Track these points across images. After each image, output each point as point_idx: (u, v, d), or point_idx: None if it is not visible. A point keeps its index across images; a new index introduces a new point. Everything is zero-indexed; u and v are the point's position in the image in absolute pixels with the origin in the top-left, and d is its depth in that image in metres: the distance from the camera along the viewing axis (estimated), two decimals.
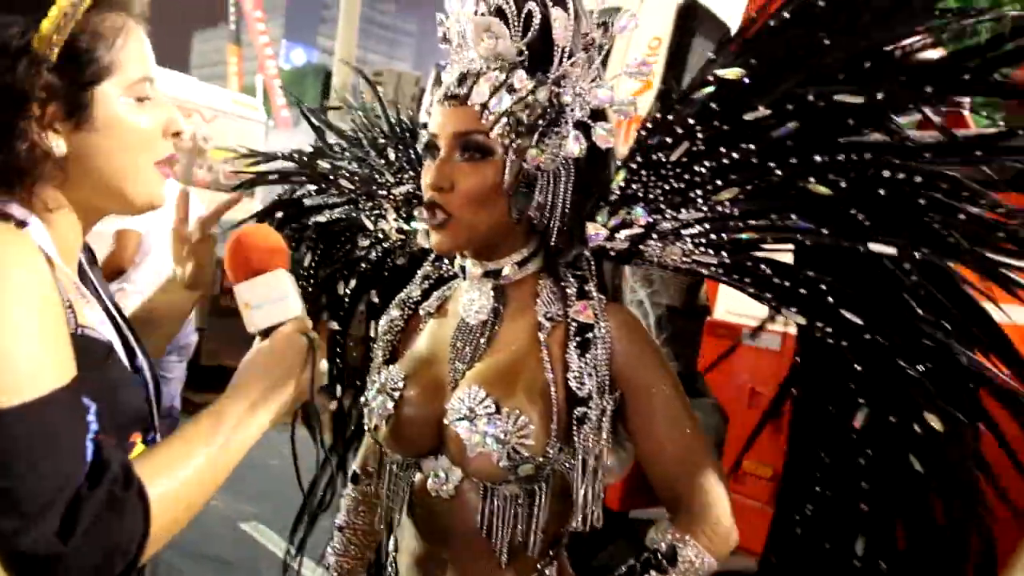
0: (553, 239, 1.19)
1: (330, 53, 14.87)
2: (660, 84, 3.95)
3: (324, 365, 1.17)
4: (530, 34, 1.14)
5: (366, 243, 1.63)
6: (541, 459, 1.13)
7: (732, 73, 1.11)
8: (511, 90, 1.13)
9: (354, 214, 1.65)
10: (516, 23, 1.14)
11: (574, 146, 1.15)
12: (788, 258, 1.14)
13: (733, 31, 3.62)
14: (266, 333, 1.09)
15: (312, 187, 1.76)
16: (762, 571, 1.24)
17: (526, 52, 1.15)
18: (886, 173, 1.03)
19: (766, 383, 3.27)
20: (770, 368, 3.37)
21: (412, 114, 1.71)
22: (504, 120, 1.13)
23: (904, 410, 1.08)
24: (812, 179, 1.06)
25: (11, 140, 0.89)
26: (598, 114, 1.17)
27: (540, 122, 1.14)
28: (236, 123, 9.93)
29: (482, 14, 1.16)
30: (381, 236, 1.59)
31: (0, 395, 0.77)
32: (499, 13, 1.15)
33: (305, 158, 1.77)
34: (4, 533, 0.75)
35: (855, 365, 1.09)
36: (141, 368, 1.08)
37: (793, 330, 1.19)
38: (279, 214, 1.79)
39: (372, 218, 1.61)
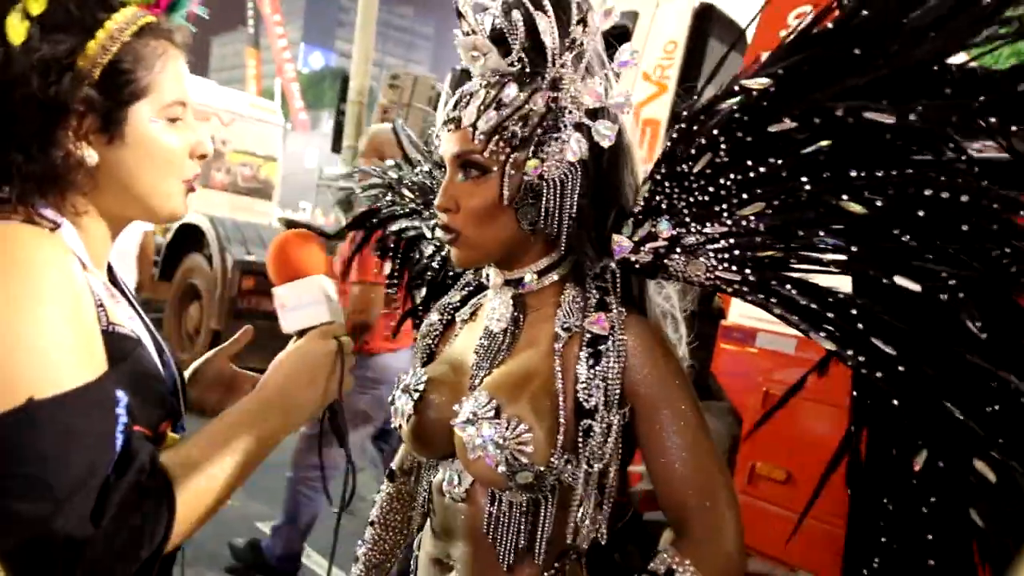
0: (564, 245, 1.20)
1: (348, 56, 14.92)
2: (676, 87, 3.96)
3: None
4: (518, 43, 1.14)
5: (429, 251, 1.67)
6: (543, 468, 1.12)
7: (758, 83, 1.04)
8: (499, 106, 1.14)
9: (417, 223, 1.70)
10: (512, 35, 1.14)
11: (576, 149, 1.15)
12: (820, 279, 1.07)
13: (749, 35, 3.63)
14: (301, 335, 1.13)
15: (388, 198, 1.83)
16: None
17: (525, 60, 1.15)
18: (941, 193, 0.93)
19: (780, 386, 3.28)
20: (785, 371, 3.39)
21: (430, 117, 1.76)
22: (496, 137, 1.14)
23: (954, 455, 0.97)
24: (845, 196, 0.99)
25: (49, 148, 0.94)
26: (596, 113, 1.16)
27: (536, 132, 1.14)
28: (254, 126, 10.01)
29: (469, 33, 1.17)
30: (439, 244, 1.63)
31: (34, 388, 0.82)
32: (492, 29, 1.16)
33: (382, 170, 1.83)
34: (37, 517, 0.79)
35: (893, 400, 1.00)
36: (168, 364, 1.12)
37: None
38: (366, 224, 1.87)
39: (431, 227, 1.65)
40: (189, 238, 7.57)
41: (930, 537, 1.01)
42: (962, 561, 1.00)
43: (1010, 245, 0.92)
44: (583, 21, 1.14)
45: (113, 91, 0.98)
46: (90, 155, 0.98)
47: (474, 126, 1.15)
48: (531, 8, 1.12)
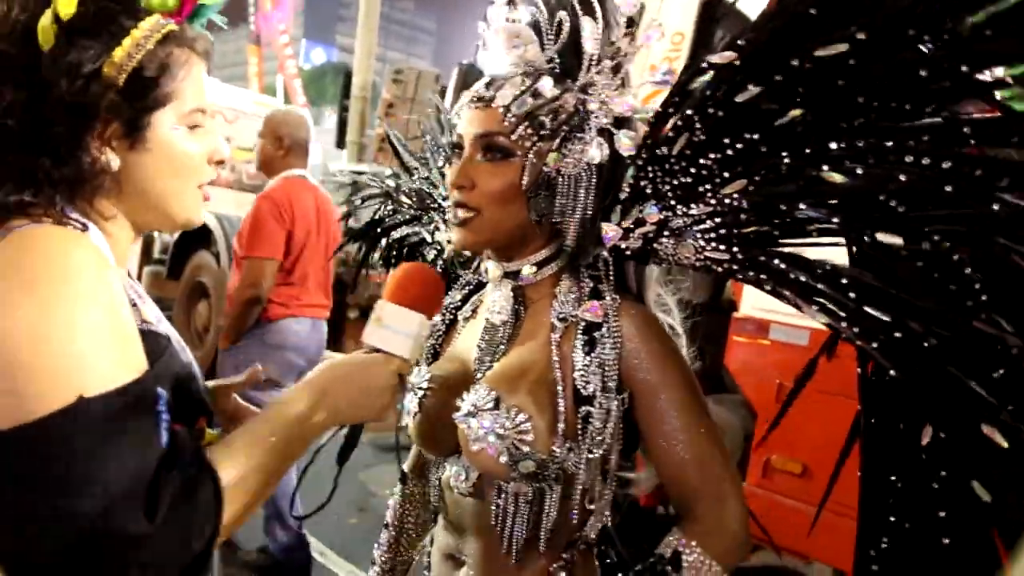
0: (570, 242, 1.22)
1: (349, 51, 14.91)
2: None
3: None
4: (559, 42, 1.16)
5: (431, 256, 1.68)
6: (545, 456, 1.14)
7: (724, 57, 1.03)
8: (535, 95, 1.16)
9: (417, 228, 1.72)
10: (549, 31, 1.17)
11: (596, 152, 1.17)
12: (811, 253, 1.07)
13: None
14: (373, 351, 1.14)
15: (390, 207, 1.85)
16: None
17: (556, 60, 1.17)
18: (908, 158, 0.92)
19: (794, 379, 3.25)
20: (798, 363, 3.36)
21: (433, 112, 1.75)
22: (526, 122, 1.16)
23: (960, 423, 0.96)
24: (825, 167, 0.99)
25: (77, 152, 0.96)
26: (622, 122, 1.19)
27: (563, 127, 1.16)
28: (258, 123, 9.99)
29: (514, 21, 1.18)
30: (440, 248, 1.64)
31: (80, 387, 0.82)
32: (532, 22, 1.18)
33: (380, 178, 1.87)
34: (92, 514, 0.79)
35: (890, 371, 1.00)
36: (190, 362, 1.13)
37: (819, 325, 1.07)
38: (371, 232, 1.89)
39: (430, 231, 1.67)
40: (196, 236, 7.56)
41: (942, 513, 0.99)
42: (975, 537, 0.99)
43: (997, 204, 0.88)
44: (631, 34, 1.16)
45: (137, 98, 0.99)
46: (113, 160, 0.99)
47: (507, 108, 1.16)
48: (580, 12, 1.14)
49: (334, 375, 1.08)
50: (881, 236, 0.96)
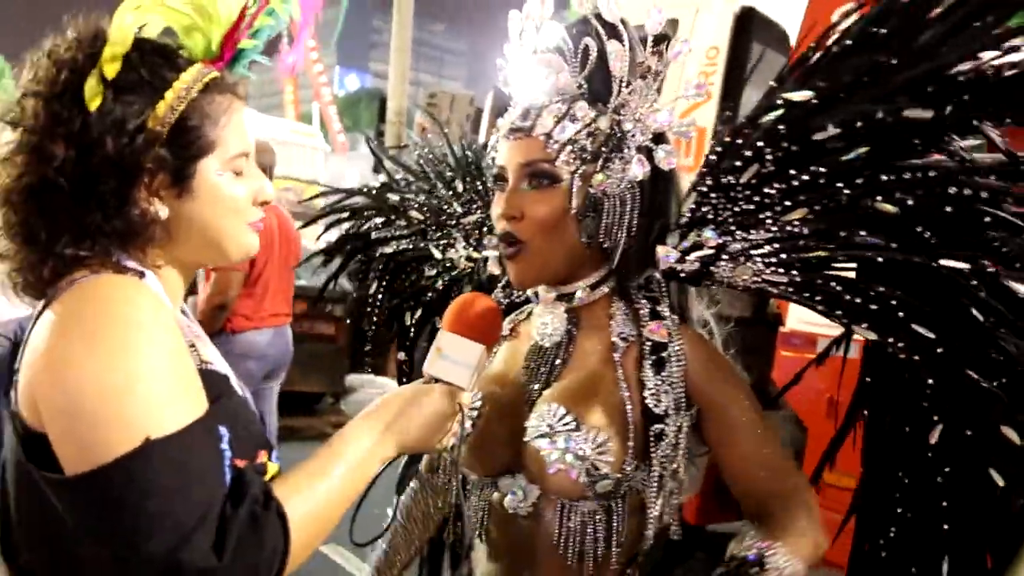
0: (617, 260, 1.22)
1: (382, 77, 15.11)
2: (720, 94, 3.93)
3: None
4: (588, 67, 1.18)
5: (432, 273, 1.68)
6: (619, 476, 1.15)
7: (800, 96, 1.12)
8: (573, 119, 1.17)
9: (421, 244, 1.70)
10: (574, 58, 1.19)
11: (638, 169, 1.18)
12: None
13: (792, 38, 3.59)
14: (432, 381, 1.15)
15: (379, 220, 1.82)
16: None
17: (585, 84, 1.19)
18: (952, 190, 1.04)
19: (846, 392, 3.20)
20: (848, 377, 3.31)
21: (467, 135, 1.76)
22: (568, 148, 1.17)
23: (981, 424, 1.07)
24: (879, 198, 1.07)
25: (125, 206, 0.97)
26: (659, 137, 1.21)
27: (603, 149, 1.17)
28: (296, 151, 10.15)
29: (541, 51, 1.20)
30: (448, 265, 1.64)
31: (148, 429, 0.84)
32: (557, 50, 1.19)
33: (374, 191, 1.83)
34: (163, 553, 0.81)
35: (929, 379, 1.10)
36: (247, 399, 1.15)
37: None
38: (347, 247, 1.88)
39: (440, 247, 1.66)
40: None
41: (945, 504, 1.10)
42: (977, 528, 1.10)
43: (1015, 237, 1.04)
44: (659, 52, 1.17)
45: (182, 148, 1.00)
46: (162, 210, 1.01)
47: (549, 135, 1.17)
48: (605, 36, 1.16)
49: (397, 408, 1.09)
50: (946, 262, 1.03)
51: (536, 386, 1.26)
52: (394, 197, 1.80)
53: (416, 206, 1.74)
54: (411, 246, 1.74)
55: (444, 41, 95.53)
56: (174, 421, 0.86)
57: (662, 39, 1.19)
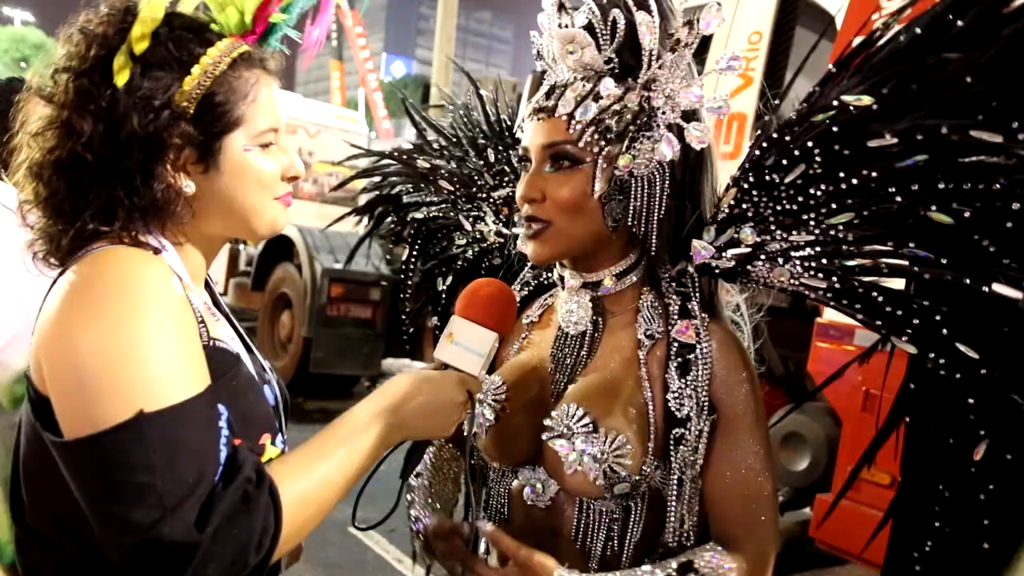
0: (651, 246, 1.18)
1: (429, 64, 15.16)
2: (762, 79, 3.85)
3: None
4: (616, 41, 1.13)
5: (463, 242, 1.65)
6: (637, 477, 1.12)
7: (859, 101, 1.05)
8: (597, 98, 1.13)
9: (451, 213, 1.68)
10: (604, 32, 1.14)
11: (667, 149, 1.13)
12: (898, 285, 1.10)
13: (838, 21, 3.50)
14: (444, 368, 1.14)
15: (409, 185, 1.80)
16: None
17: (615, 60, 1.14)
18: (1016, 205, 0.96)
19: (881, 385, 3.13)
20: (886, 372, 3.23)
21: (511, 119, 1.73)
22: (592, 128, 1.13)
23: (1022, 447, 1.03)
24: (933, 207, 1.01)
25: (150, 181, 0.98)
26: (690, 115, 1.15)
27: (631, 128, 1.13)
28: (339, 136, 10.20)
29: (567, 26, 1.16)
30: (478, 236, 1.61)
31: (143, 401, 0.85)
32: (586, 24, 1.15)
33: (404, 156, 1.80)
34: (145, 524, 0.82)
35: (968, 399, 1.04)
36: (270, 381, 1.15)
37: None
38: (378, 208, 1.86)
39: (470, 219, 1.63)
40: (279, 248, 7.76)
41: (986, 522, 1.05)
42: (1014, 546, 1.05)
43: None
44: (690, 23, 1.12)
45: (208, 124, 1.00)
46: (188, 185, 1.01)
47: (571, 115, 1.14)
48: (633, 7, 1.11)
49: (404, 392, 1.07)
50: (999, 288, 0.98)
51: (562, 378, 1.24)
52: (424, 164, 1.76)
53: (446, 175, 1.71)
54: (440, 214, 1.71)
55: (491, 29, 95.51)
56: (170, 396, 0.87)
57: (694, 10, 1.14)
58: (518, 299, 1.37)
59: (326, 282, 7.07)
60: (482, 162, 1.67)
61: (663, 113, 1.13)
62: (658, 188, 1.15)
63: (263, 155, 1.06)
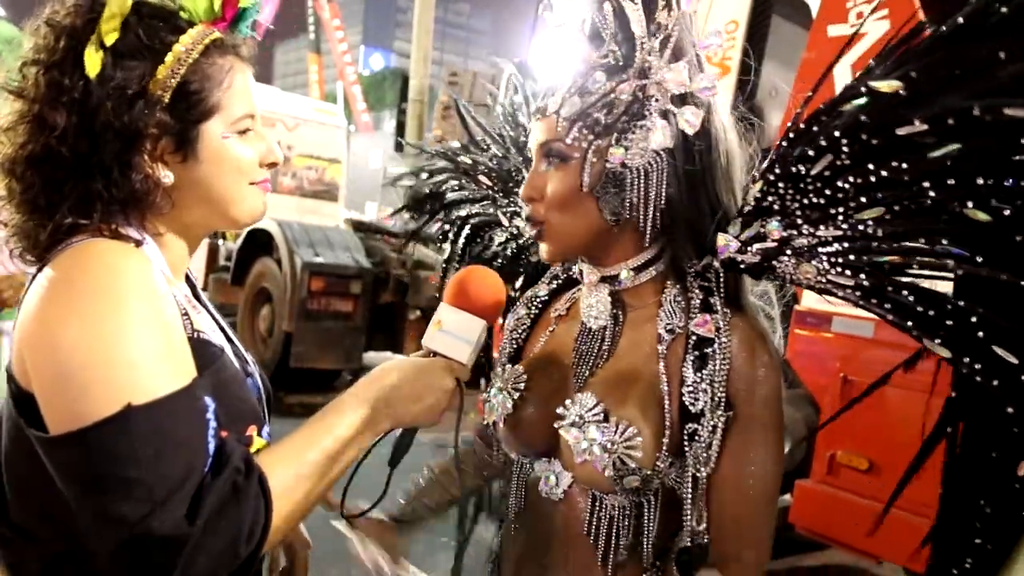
0: (655, 240, 1.18)
1: (407, 56, 15.12)
2: (738, 69, 3.87)
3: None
4: (607, 35, 1.14)
5: (502, 238, 1.67)
6: (649, 472, 1.11)
7: (888, 86, 1.00)
8: (583, 93, 1.13)
9: (491, 210, 1.70)
10: (603, 24, 1.14)
11: (660, 136, 1.12)
12: (930, 285, 1.06)
13: (813, 11, 3.52)
14: (432, 355, 1.14)
15: (453, 182, 1.84)
16: None
17: (609, 54, 1.15)
18: None
19: (859, 371, 3.18)
20: (862, 356, 3.28)
21: (489, 110, 1.75)
22: (578, 124, 1.13)
23: None
24: (970, 204, 0.96)
25: (128, 172, 0.97)
26: (683, 99, 1.14)
27: (622, 119, 1.12)
28: (318, 130, 10.16)
29: (559, 26, 1.18)
30: (516, 232, 1.63)
31: (129, 395, 0.85)
32: (576, 22, 1.17)
33: (450, 152, 1.84)
34: (134, 518, 0.81)
35: (1008, 408, 0.99)
36: (252, 374, 1.15)
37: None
38: (427, 206, 1.89)
39: (508, 214, 1.65)
40: (259, 243, 7.72)
41: None
42: None
43: None
44: (668, 6, 1.12)
45: (184, 112, 1.00)
46: (166, 175, 1.01)
47: (557, 113, 1.15)
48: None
49: (392, 379, 1.08)
50: None
51: (583, 371, 1.23)
52: (466, 160, 1.79)
53: (485, 171, 1.74)
54: (481, 211, 1.74)
55: (469, 21, 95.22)
56: (156, 388, 0.86)
57: None
58: (546, 292, 1.39)
59: (306, 276, 7.05)
60: (522, 159, 1.68)
61: (656, 100, 1.13)
62: (655, 178, 1.13)
63: (241, 142, 1.06)
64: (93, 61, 0.95)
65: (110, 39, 0.95)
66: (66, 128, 0.94)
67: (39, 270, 0.96)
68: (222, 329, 1.14)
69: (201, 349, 0.99)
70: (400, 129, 11.90)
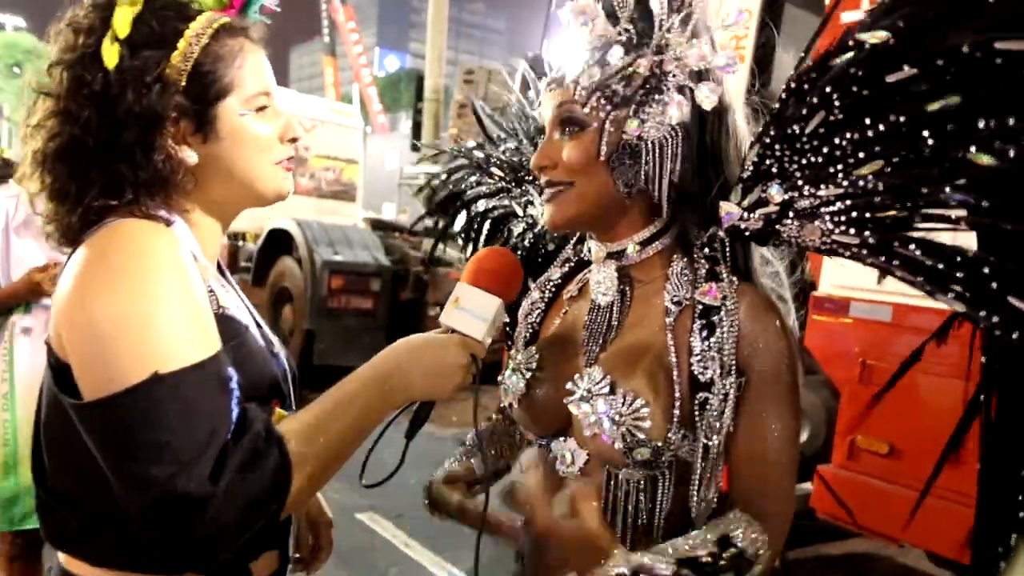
0: (665, 214, 1.18)
1: (422, 57, 15.15)
2: (751, 58, 3.87)
3: None
4: (626, 10, 1.15)
5: (519, 229, 1.69)
6: (660, 444, 1.11)
7: (875, 36, 0.98)
8: (603, 65, 1.14)
9: (506, 202, 1.73)
10: (622, 4, 1.15)
11: (676, 112, 1.13)
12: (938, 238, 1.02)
13: None
14: (451, 333, 1.17)
15: (471, 179, 1.86)
16: None
17: (631, 29, 1.15)
18: None
19: (878, 356, 3.19)
20: (881, 340, 3.29)
21: (505, 108, 1.77)
22: (597, 93, 1.14)
23: None
24: (972, 148, 0.92)
25: (150, 154, 1.02)
26: (701, 75, 1.15)
27: (639, 92, 1.13)
28: (334, 131, 10.22)
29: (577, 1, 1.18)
30: (531, 221, 1.65)
31: (158, 364, 0.90)
32: (608, 1, 1.17)
33: (465, 148, 1.87)
34: (161, 478, 0.86)
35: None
36: (278, 355, 1.20)
37: (902, 300, 1.10)
38: (449, 208, 1.91)
39: (522, 204, 1.67)
40: (279, 243, 7.79)
41: None
42: None
43: None
44: None
45: (200, 93, 1.05)
46: (189, 155, 1.06)
47: (576, 82, 1.16)
48: None
49: (409, 352, 1.11)
50: None
51: (594, 348, 1.24)
52: (479, 154, 1.82)
53: (497, 164, 1.76)
54: (498, 204, 1.76)
55: (484, 20, 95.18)
56: (184, 358, 0.91)
57: None
58: (559, 274, 1.40)
59: (326, 274, 7.11)
60: (534, 149, 1.68)
61: (674, 76, 1.13)
62: (670, 152, 1.14)
63: (258, 119, 1.11)
64: (111, 54, 1.00)
65: (124, 32, 1.01)
66: (89, 118, 1.00)
67: (75, 250, 1.01)
68: (249, 311, 1.18)
69: (225, 324, 1.03)
70: (416, 129, 11.91)
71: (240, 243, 9.17)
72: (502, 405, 1.32)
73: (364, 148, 11.66)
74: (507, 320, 1.24)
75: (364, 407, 1.05)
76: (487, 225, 1.81)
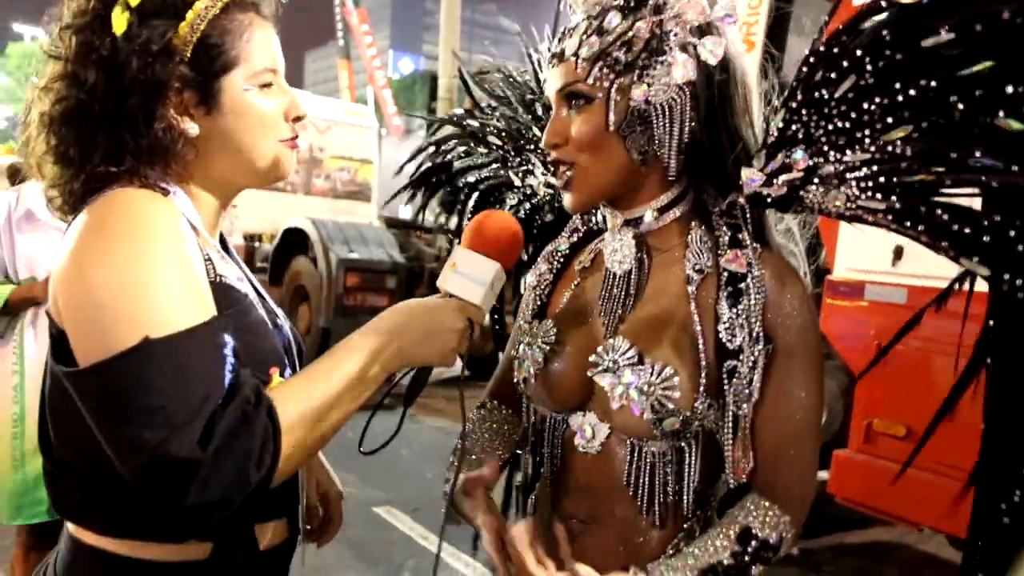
0: (680, 179, 1.17)
1: (436, 59, 15.20)
2: (763, 44, 3.85)
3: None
4: None
5: (514, 200, 1.66)
6: (688, 413, 1.10)
7: None
8: (601, 33, 1.13)
9: (502, 172, 1.69)
10: None
11: (680, 71, 1.10)
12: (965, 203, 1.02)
13: None
14: (448, 298, 1.16)
15: (461, 149, 1.83)
16: (968, 558, 1.08)
17: None
18: None
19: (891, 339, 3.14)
20: (898, 323, 3.23)
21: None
22: (599, 63, 1.12)
23: None
24: (1001, 113, 0.92)
25: (152, 123, 1.03)
26: (703, 31, 1.12)
27: (641, 56, 1.11)
28: (349, 132, 10.26)
29: None
30: (529, 192, 1.62)
31: (150, 328, 0.90)
32: None
33: (455, 118, 1.84)
34: (153, 442, 0.87)
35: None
36: (281, 327, 1.20)
37: (918, 282, 1.08)
38: (432, 179, 1.87)
39: (519, 173, 1.64)
40: (294, 242, 7.83)
41: None
42: None
43: None
44: None
45: (205, 65, 1.05)
46: (190, 127, 1.06)
47: (576, 55, 1.14)
48: None
49: (404, 315, 1.10)
50: None
51: (611, 319, 1.21)
52: (474, 123, 1.78)
53: (494, 132, 1.72)
54: (491, 174, 1.73)
55: (497, 21, 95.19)
56: (177, 323, 0.92)
57: None
58: (567, 245, 1.38)
59: (342, 272, 7.15)
60: (531, 116, 1.67)
61: (675, 35, 1.11)
62: (679, 113, 1.12)
63: (262, 95, 1.10)
64: (119, 21, 1.01)
65: (135, 0, 1.02)
66: (96, 83, 1.01)
67: (75, 217, 1.02)
68: (251, 283, 1.19)
69: (222, 292, 1.04)
70: (430, 128, 11.94)
71: (256, 244, 9.22)
72: (515, 380, 1.29)
73: (379, 150, 11.70)
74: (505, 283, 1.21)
75: (357, 372, 1.03)
76: (475, 196, 1.76)
